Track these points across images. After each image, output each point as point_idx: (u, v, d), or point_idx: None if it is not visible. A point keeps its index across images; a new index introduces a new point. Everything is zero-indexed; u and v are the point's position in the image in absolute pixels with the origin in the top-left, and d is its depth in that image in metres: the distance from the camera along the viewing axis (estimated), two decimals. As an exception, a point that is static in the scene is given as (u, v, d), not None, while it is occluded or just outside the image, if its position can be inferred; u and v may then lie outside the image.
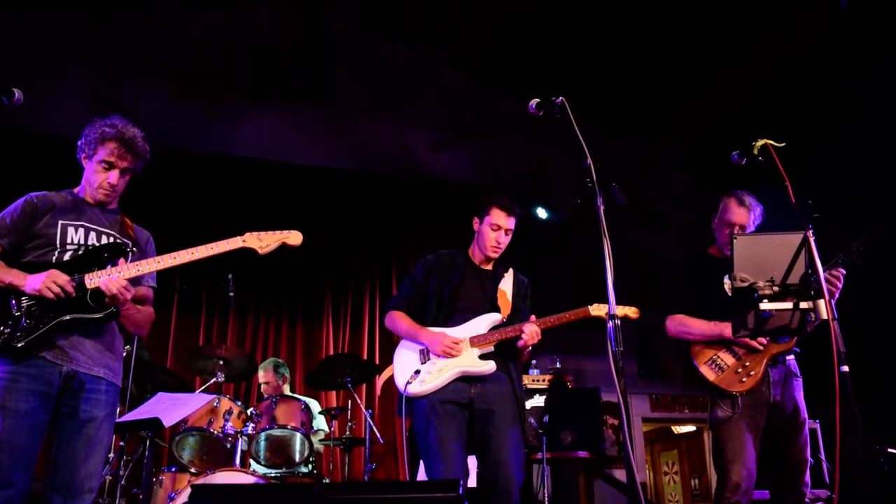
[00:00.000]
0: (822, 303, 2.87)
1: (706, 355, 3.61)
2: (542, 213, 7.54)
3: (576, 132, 2.68)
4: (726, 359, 3.57)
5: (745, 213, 3.71)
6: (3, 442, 2.62)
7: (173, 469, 4.72)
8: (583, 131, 2.73)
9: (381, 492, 1.94)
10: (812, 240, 2.92)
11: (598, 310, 3.50)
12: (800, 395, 3.57)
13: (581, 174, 2.71)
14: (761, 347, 3.51)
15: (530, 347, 3.52)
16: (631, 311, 3.55)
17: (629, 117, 6.70)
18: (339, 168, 7.40)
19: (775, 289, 2.94)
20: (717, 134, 6.23)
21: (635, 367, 8.31)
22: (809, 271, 2.91)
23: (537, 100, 2.89)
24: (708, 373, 3.57)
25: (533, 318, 3.49)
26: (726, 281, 3.69)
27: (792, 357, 3.64)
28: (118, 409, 3.09)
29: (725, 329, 3.53)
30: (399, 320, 3.62)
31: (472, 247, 3.78)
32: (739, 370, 3.53)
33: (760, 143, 3.20)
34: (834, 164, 5.92)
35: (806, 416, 3.54)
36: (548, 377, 5.84)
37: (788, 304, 2.95)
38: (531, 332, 3.43)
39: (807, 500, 3.42)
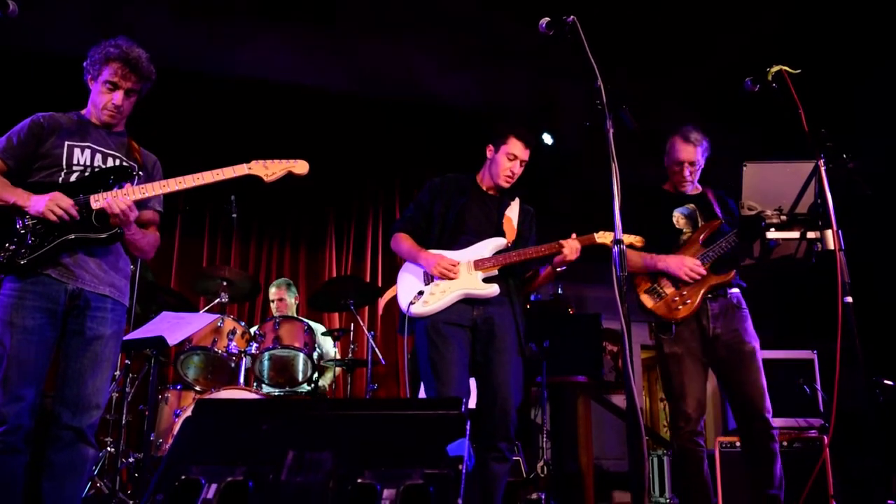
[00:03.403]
0: (829, 233, 2.86)
1: (647, 284, 3.70)
2: (547, 139, 7.44)
3: (586, 52, 2.60)
4: (666, 288, 3.64)
5: (691, 148, 3.73)
6: (10, 357, 2.66)
7: (178, 387, 4.81)
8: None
9: (384, 408, 1.97)
10: (823, 169, 2.89)
11: (603, 237, 3.49)
12: (743, 325, 3.59)
13: (590, 101, 2.65)
14: (699, 278, 3.55)
15: (560, 269, 3.51)
16: (636, 240, 3.55)
17: (637, 51, 6.52)
18: (343, 92, 7.27)
19: (783, 217, 2.93)
20: (727, 70, 6.08)
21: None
22: (819, 201, 2.89)
23: (547, 19, 2.81)
24: (647, 300, 3.67)
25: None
26: (675, 214, 3.77)
27: (737, 291, 3.67)
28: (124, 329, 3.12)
29: (659, 262, 3.62)
30: (402, 242, 3.62)
31: (482, 173, 3.74)
32: (676, 298, 3.59)
33: (775, 68, 3.14)
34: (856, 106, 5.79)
35: (755, 345, 3.56)
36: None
37: (795, 234, 2.95)
38: (572, 247, 3.43)
39: (772, 424, 3.46)
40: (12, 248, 2.71)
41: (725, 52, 6.17)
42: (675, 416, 3.57)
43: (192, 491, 1.74)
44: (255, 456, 1.81)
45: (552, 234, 3.54)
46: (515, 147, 3.59)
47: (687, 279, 3.55)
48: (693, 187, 3.83)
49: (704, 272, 3.55)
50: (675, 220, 3.75)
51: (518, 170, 3.63)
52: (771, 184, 3.00)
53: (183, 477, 1.77)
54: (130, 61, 2.91)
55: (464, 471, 1.61)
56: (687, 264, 3.55)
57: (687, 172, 3.74)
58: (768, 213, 2.97)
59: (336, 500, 1.64)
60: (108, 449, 4.55)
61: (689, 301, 3.55)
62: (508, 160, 3.59)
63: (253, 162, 2.94)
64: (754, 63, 3.32)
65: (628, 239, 3.46)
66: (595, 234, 3.52)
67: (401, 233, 3.66)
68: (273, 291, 5.85)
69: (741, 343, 3.54)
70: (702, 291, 3.55)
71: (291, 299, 5.84)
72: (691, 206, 3.77)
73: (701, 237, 3.64)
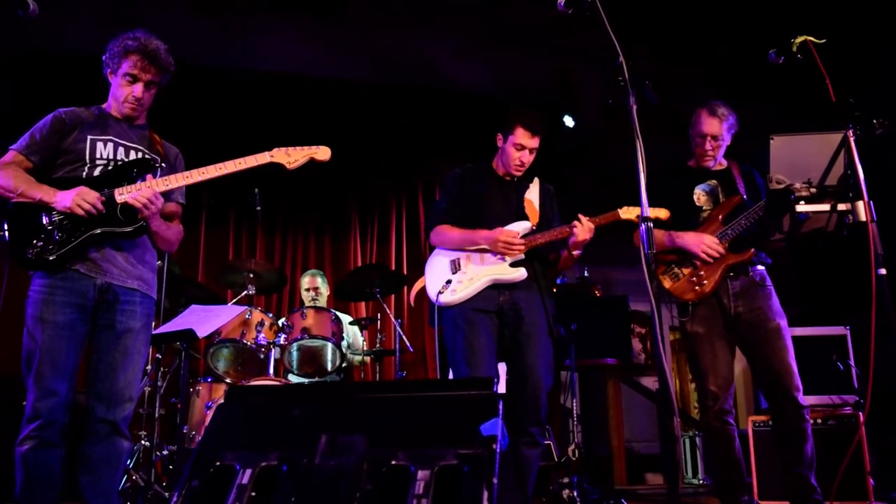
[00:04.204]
0: (860, 204, 2.80)
1: (664, 265, 3.63)
2: (569, 121, 7.39)
3: (607, 28, 2.56)
4: (683, 268, 3.59)
5: (716, 123, 3.64)
6: (43, 353, 2.68)
7: (209, 379, 4.85)
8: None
9: (416, 390, 1.96)
10: (852, 139, 2.83)
11: (627, 213, 3.46)
12: (768, 304, 3.53)
13: (610, 80, 2.61)
14: (717, 256, 3.49)
15: (577, 252, 3.50)
16: (661, 213, 3.50)
17: (655, 25, 6.44)
18: (361, 81, 7.27)
19: (812, 190, 2.88)
20: (749, 40, 5.98)
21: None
22: (849, 172, 2.83)
23: (566, -3, 2.76)
24: (664, 280, 3.61)
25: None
26: (696, 191, 3.70)
27: (762, 268, 3.61)
28: (153, 323, 3.14)
29: (677, 238, 3.56)
30: (448, 231, 3.61)
31: (496, 159, 3.73)
32: (694, 279, 3.54)
33: (800, 39, 3.08)
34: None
35: (780, 321, 3.50)
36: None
37: (826, 206, 2.89)
38: (585, 227, 3.40)
39: (803, 403, 3.41)
40: (40, 244, 2.74)
41: (746, 25, 6.07)
42: (702, 395, 3.53)
43: (226, 476, 1.75)
44: (288, 441, 1.81)
45: (577, 213, 3.50)
46: (522, 137, 3.54)
47: (704, 257, 3.49)
48: (716, 163, 3.76)
49: (722, 251, 3.49)
50: (695, 197, 3.69)
51: (528, 158, 3.59)
52: (799, 156, 2.94)
53: (217, 463, 1.79)
54: (149, 53, 2.92)
55: (498, 450, 1.61)
56: (704, 241, 3.49)
57: (709, 146, 3.66)
58: (797, 185, 2.92)
59: (370, 483, 1.65)
60: (143, 442, 4.60)
61: (705, 282, 3.51)
62: (517, 150, 3.56)
63: (275, 150, 2.94)
64: (776, 36, 3.26)
65: (654, 213, 3.41)
66: (619, 209, 3.48)
67: (442, 224, 3.64)
68: (306, 280, 5.87)
69: (765, 321, 3.48)
70: (719, 271, 3.50)
71: (324, 288, 5.87)
72: (713, 182, 3.71)
73: (721, 215, 3.58)
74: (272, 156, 2.94)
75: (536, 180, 3.73)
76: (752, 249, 3.49)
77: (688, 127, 3.80)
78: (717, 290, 3.52)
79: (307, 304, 5.70)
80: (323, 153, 2.98)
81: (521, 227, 3.54)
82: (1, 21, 2.77)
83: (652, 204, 3.62)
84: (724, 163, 3.78)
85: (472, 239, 3.54)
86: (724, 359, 3.52)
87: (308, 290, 5.80)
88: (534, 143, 3.56)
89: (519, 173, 3.64)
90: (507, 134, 3.59)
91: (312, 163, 2.97)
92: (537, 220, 3.60)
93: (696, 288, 3.52)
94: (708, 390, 3.49)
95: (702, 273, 3.52)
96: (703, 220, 3.64)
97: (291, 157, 2.95)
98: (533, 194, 3.67)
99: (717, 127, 3.64)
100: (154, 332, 3.94)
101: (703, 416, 3.54)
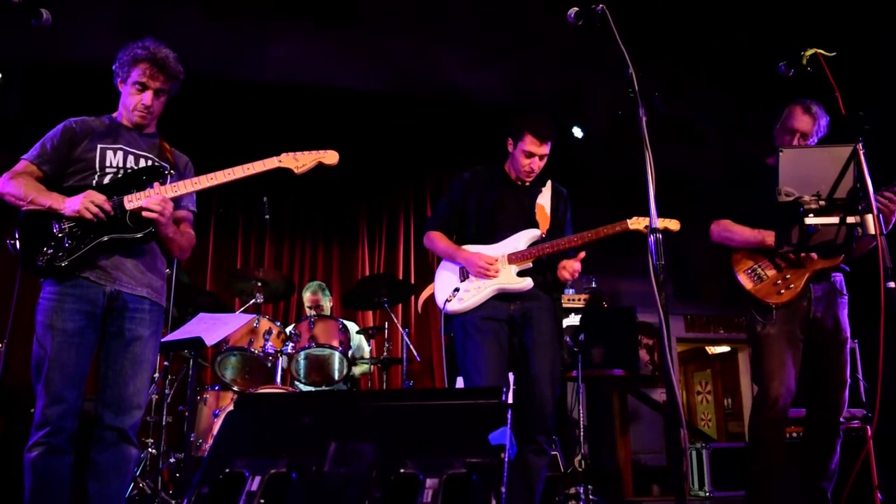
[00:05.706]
0: (869, 217, 2.79)
1: (747, 264, 3.54)
2: (577, 132, 7.40)
3: (617, 41, 2.58)
4: (767, 269, 3.50)
5: (809, 121, 3.55)
6: (52, 360, 2.69)
7: (217, 388, 4.86)
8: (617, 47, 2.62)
9: (423, 399, 1.97)
10: (862, 152, 2.83)
11: (636, 223, 3.43)
12: (843, 314, 3.48)
13: (619, 90, 2.62)
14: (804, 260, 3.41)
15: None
16: (672, 224, 3.48)
17: (659, 31, 6.45)
18: (370, 90, 7.30)
19: (821, 203, 2.87)
20: (753, 46, 5.99)
21: (670, 287, 8.26)
22: (858, 185, 2.82)
23: (576, 9, 2.78)
24: (746, 281, 3.52)
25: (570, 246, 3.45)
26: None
27: (840, 275, 3.54)
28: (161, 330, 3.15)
29: (768, 237, 3.44)
30: (437, 241, 3.62)
31: (509, 163, 3.70)
32: (779, 282, 3.45)
33: (810, 52, 3.08)
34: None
35: (848, 335, 3.46)
36: (583, 296, 5.85)
37: (834, 219, 2.88)
38: (571, 269, 3.43)
39: (841, 419, 3.38)
40: (50, 251, 2.75)
41: (753, 38, 6.08)
42: (762, 400, 3.40)
43: (236, 483, 1.76)
44: (297, 448, 1.82)
45: (586, 222, 3.50)
46: (532, 144, 3.51)
47: (793, 258, 3.40)
48: None
49: (812, 255, 3.40)
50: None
51: (537, 164, 3.56)
52: (808, 169, 2.93)
53: (227, 470, 1.79)
54: (158, 61, 2.94)
55: (506, 459, 1.61)
56: None
57: (796, 143, 3.55)
58: (806, 198, 2.91)
59: (379, 490, 1.65)
60: (150, 450, 4.61)
61: (792, 286, 3.41)
62: (526, 157, 3.53)
63: (283, 155, 2.95)
64: (777, 46, 3.26)
65: (663, 223, 3.39)
66: (627, 220, 3.46)
67: (434, 231, 3.66)
68: (308, 297, 5.87)
69: (838, 331, 3.44)
70: (806, 276, 3.42)
71: (326, 302, 5.88)
72: None
73: None
74: (280, 161, 2.94)
75: (549, 183, 3.71)
76: (842, 256, 3.41)
77: (699, 134, 3.77)
78: (799, 295, 3.44)
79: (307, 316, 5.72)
80: (330, 157, 2.98)
81: (529, 234, 3.54)
82: (13, 29, 2.80)
83: (736, 201, 3.58)
84: None
85: (452, 255, 3.57)
86: (792, 367, 3.41)
87: (310, 307, 5.82)
88: (543, 149, 3.53)
89: (529, 179, 3.62)
90: (516, 140, 3.56)
91: (320, 167, 2.98)
92: (548, 226, 3.58)
93: (781, 292, 3.43)
94: (767, 395, 3.37)
95: (788, 277, 3.44)
96: None
97: (299, 161, 2.95)
98: (545, 199, 3.66)
99: (809, 125, 3.55)
100: (162, 340, 3.95)
101: (755, 422, 3.44)
